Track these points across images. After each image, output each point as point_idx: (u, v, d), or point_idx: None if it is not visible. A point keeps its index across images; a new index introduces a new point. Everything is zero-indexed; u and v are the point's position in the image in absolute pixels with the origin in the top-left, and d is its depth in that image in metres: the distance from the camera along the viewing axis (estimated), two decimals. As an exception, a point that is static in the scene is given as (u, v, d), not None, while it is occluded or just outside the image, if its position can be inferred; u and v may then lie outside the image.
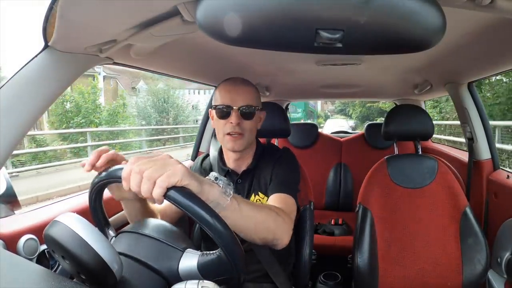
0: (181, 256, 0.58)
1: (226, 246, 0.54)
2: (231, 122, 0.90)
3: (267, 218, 0.70)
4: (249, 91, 0.94)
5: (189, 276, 0.56)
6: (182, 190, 0.51)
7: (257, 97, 0.96)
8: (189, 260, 0.57)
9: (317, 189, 2.18)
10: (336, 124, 12.41)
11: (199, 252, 0.59)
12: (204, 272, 0.56)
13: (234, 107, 0.90)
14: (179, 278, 0.56)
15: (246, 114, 0.91)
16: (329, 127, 10.12)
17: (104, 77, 21.01)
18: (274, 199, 0.86)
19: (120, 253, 0.54)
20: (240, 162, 0.99)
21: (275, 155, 1.00)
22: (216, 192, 0.57)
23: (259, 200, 0.95)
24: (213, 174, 0.60)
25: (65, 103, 11.84)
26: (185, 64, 1.20)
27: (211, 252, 0.57)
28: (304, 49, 0.51)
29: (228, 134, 0.91)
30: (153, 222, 0.65)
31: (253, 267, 0.95)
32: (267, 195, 0.93)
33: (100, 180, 0.64)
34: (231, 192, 0.59)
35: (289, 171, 0.96)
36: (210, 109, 0.97)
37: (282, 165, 0.96)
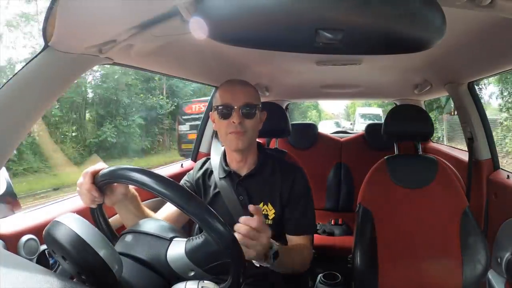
0: (168, 245, 0.58)
1: (226, 247, 0.54)
2: (233, 122, 0.90)
3: (301, 260, 0.93)
4: (249, 91, 0.95)
5: (179, 264, 0.56)
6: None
7: (257, 97, 0.97)
8: (177, 247, 0.57)
9: (317, 189, 2.17)
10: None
11: (185, 239, 0.58)
12: (192, 256, 0.56)
13: (235, 106, 0.90)
14: (172, 271, 0.56)
15: (247, 113, 0.92)
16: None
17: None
18: (299, 241, 0.97)
19: (119, 253, 0.54)
20: (242, 164, 0.99)
21: (290, 171, 1.01)
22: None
23: (267, 210, 0.97)
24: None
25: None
26: (185, 64, 1.20)
27: (197, 236, 0.57)
28: (304, 49, 0.52)
29: (231, 132, 0.91)
30: (141, 220, 0.65)
31: (252, 271, 0.95)
32: (275, 208, 0.98)
33: (100, 180, 0.64)
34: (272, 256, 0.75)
35: (311, 203, 1.01)
36: (210, 112, 0.97)
37: (304, 196, 1.00)
